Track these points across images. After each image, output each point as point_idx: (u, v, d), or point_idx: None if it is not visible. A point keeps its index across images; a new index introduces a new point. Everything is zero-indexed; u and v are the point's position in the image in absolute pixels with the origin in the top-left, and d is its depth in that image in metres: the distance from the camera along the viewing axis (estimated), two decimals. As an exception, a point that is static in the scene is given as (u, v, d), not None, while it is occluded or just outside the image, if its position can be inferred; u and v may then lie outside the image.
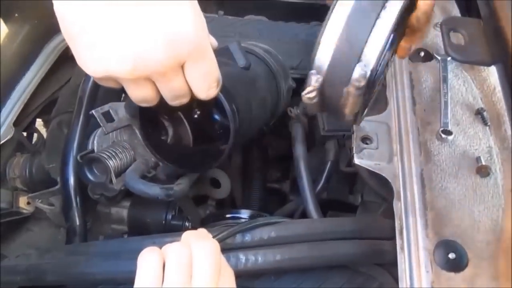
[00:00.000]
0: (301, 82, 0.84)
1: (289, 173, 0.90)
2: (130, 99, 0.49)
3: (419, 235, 0.56)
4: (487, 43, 0.47)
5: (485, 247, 0.54)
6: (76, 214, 0.71)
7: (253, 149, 0.88)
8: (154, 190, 0.59)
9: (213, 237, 0.53)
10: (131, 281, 0.46)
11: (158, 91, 0.48)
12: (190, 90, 0.49)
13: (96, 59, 0.43)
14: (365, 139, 0.66)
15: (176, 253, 0.45)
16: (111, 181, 0.63)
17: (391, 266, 0.59)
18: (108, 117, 0.67)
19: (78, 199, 0.71)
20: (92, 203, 0.75)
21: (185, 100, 0.50)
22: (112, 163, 0.64)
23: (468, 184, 0.59)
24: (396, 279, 0.56)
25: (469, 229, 0.56)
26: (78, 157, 0.66)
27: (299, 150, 0.71)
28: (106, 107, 0.66)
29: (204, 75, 0.48)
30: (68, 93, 0.87)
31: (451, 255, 0.54)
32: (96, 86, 0.76)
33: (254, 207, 0.79)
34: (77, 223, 0.71)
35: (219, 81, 0.50)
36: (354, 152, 0.65)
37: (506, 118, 0.64)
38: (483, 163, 0.60)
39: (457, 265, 0.53)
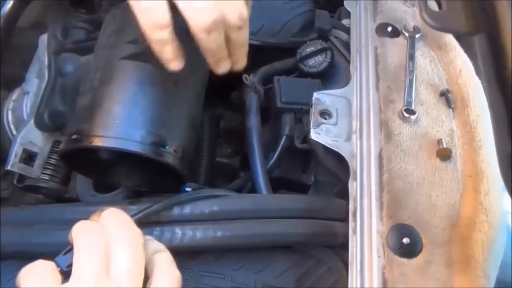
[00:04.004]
0: (260, 51, 0.79)
1: (242, 148, 0.84)
2: None
3: (373, 218, 0.53)
4: (468, 12, 0.43)
5: (440, 233, 0.51)
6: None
7: (203, 122, 0.81)
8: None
9: (146, 208, 0.46)
10: (46, 254, 0.39)
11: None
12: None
13: None
14: (324, 114, 0.62)
15: (90, 242, 0.38)
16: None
17: (342, 250, 0.55)
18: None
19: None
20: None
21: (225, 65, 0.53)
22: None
23: (428, 167, 0.56)
24: (346, 264, 0.52)
25: (426, 213, 0.53)
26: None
27: (252, 121, 0.66)
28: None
29: (244, 44, 0.52)
30: None
31: (405, 240, 0.50)
32: None
33: (200, 182, 0.73)
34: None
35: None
36: (311, 126, 0.60)
37: (470, 102, 0.61)
38: (444, 146, 0.56)
39: (410, 250, 0.50)
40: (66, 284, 0.36)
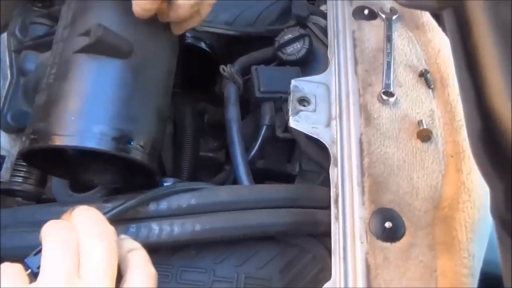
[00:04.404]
0: (238, 41, 0.78)
1: (226, 142, 0.83)
2: None
3: (355, 203, 0.52)
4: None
5: (423, 215, 0.51)
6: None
7: (186, 116, 0.80)
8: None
9: (119, 205, 0.45)
10: (21, 258, 0.39)
11: None
12: None
13: None
14: (303, 101, 0.61)
15: (59, 241, 0.37)
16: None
17: (326, 237, 0.54)
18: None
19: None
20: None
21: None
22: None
23: (408, 149, 0.55)
24: (330, 251, 0.51)
25: (407, 196, 0.52)
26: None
27: (231, 112, 0.65)
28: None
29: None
30: None
31: (388, 224, 0.50)
32: None
33: (184, 177, 0.72)
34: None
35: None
36: (290, 114, 0.59)
37: (450, 82, 0.60)
38: (425, 127, 0.56)
39: (393, 234, 0.49)
40: (33, 284, 0.35)
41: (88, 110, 0.47)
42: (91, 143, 0.46)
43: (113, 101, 0.49)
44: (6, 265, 0.36)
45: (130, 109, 0.50)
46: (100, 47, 0.48)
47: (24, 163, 0.58)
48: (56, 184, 0.54)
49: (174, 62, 0.60)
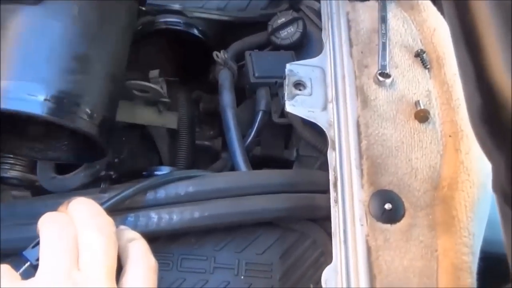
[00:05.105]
0: (231, 27, 0.77)
1: (222, 130, 0.82)
2: None
3: (354, 186, 0.52)
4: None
5: (422, 195, 0.50)
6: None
7: (181, 104, 0.79)
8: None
9: (116, 195, 0.44)
10: (18, 251, 0.38)
11: None
12: None
13: None
14: (298, 85, 0.60)
15: (57, 233, 0.36)
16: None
17: (325, 222, 0.54)
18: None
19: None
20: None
21: None
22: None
23: (406, 130, 0.54)
24: (330, 235, 0.51)
25: (406, 177, 0.52)
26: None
27: (226, 99, 0.64)
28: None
29: None
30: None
31: (387, 206, 0.49)
32: None
33: (181, 166, 0.71)
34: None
35: None
36: (285, 99, 0.58)
37: (446, 61, 0.59)
38: (422, 107, 0.55)
39: (393, 216, 0.49)
40: (31, 280, 0.35)
41: (15, 67, 0.41)
42: (13, 105, 0.39)
43: (46, 56, 0.42)
44: None
45: (72, 66, 0.43)
46: None
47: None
48: (40, 167, 0.53)
49: (126, 21, 0.54)
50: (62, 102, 0.42)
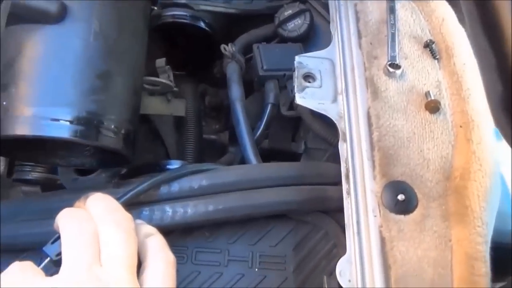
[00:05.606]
0: (237, 20, 0.76)
1: (229, 123, 0.82)
2: None
3: (366, 177, 0.52)
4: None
5: (435, 186, 0.50)
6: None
7: (187, 98, 0.79)
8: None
9: (131, 189, 0.44)
10: (34, 245, 0.38)
11: None
12: None
13: None
14: (308, 77, 0.60)
15: (78, 230, 0.36)
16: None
17: (337, 213, 0.54)
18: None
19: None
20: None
21: None
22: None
23: (417, 121, 0.54)
24: (343, 227, 0.51)
25: (419, 168, 0.52)
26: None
27: (235, 92, 0.64)
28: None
29: None
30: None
31: (400, 197, 0.49)
32: None
33: (189, 160, 0.71)
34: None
35: None
36: (295, 91, 0.58)
37: (455, 51, 0.59)
38: (432, 98, 0.55)
39: (406, 207, 0.49)
40: (56, 276, 0.35)
41: (40, 92, 0.41)
42: (45, 131, 0.40)
43: (70, 77, 0.42)
44: (16, 265, 0.35)
45: (96, 84, 0.43)
46: (23, 13, 0.41)
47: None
48: (62, 168, 0.53)
49: (142, 27, 0.54)
50: (88, 123, 0.42)
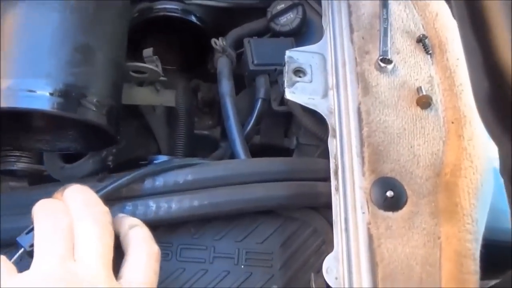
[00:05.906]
0: (229, 13, 0.75)
1: (221, 119, 0.81)
2: None
3: (355, 174, 0.51)
4: None
5: (424, 183, 0.50)
6: None
7: (179, 93, 0.78)
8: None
9: (112, 183, 0.44)
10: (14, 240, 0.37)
11: None
12: None
13: None
14: (298, 72, 0.59)
15: (52, 222, 0.36)
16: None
17: (327, 210, 0.53)
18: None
19: None
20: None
21: None
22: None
23: (408, 117, 0.54)
24: (331, 224, 0.50)
25: (409, 164, 0.51)
26: None
27: (225, 87, 0.63)
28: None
29: None
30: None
31: (389, 193, 0.49)
32: None
33: (179, 155, 0.70)
34: None
35: None
36: (285, 86, 0.57)
37: (448, 46, 0.58)
38: (424, 93, 0.54)
39: (395, 203, 0.49)
40: (26, 272, 0.34)
41: (17, 64, 0.40)
42: (22, 103, 0.39)
43: (47, 49, 0.41)
44: None
45: (75, 57, 0.42)
46: None
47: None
48: (48, 157, 0.52)
49: (122, 3, 0.53)
50: (69, 95, 0.41)
